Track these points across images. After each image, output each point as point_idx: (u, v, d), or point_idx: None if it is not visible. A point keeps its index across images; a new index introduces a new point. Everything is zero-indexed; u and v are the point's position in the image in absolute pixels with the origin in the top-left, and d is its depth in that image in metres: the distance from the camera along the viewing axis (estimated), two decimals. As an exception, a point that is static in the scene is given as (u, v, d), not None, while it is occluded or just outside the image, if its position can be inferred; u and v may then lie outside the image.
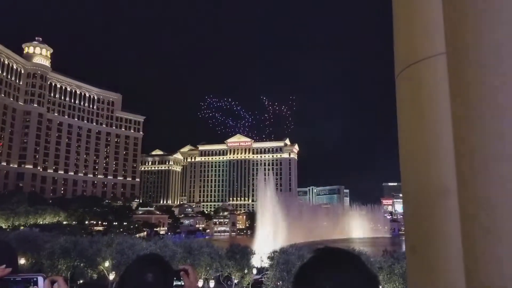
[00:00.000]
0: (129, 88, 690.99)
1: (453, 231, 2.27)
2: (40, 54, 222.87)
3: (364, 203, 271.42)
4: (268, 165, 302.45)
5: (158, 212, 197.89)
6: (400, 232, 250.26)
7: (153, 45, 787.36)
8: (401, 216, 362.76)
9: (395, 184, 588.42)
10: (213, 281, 53.40)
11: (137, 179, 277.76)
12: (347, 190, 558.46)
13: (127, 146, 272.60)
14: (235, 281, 55.07)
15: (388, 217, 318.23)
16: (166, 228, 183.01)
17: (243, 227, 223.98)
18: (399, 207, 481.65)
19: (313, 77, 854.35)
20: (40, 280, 2.23)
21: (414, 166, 2.66)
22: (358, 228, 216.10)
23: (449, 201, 2.32)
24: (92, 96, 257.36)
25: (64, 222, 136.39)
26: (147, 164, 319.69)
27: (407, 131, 2.79)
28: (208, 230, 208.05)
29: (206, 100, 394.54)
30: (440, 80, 2.48)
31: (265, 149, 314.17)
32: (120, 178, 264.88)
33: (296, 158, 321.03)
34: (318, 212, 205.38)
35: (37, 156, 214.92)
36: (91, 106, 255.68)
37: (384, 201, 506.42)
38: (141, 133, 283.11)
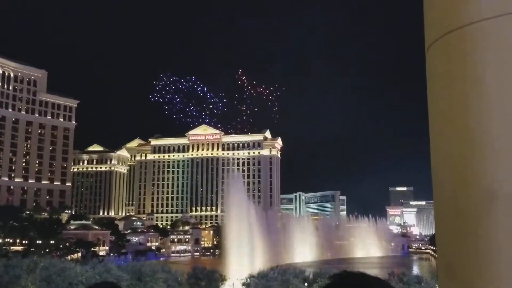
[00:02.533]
0: (58, 64, 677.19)
1: (507, 246, 2.27)
2: None
3: (365, 213, 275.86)
4: (243, 164, 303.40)
5: (96, 227, 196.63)
6: (410, 249, 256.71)
7: (92, 8, 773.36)
8: (411, 230, 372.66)
9: (404, 189, 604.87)
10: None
11: (68, 184, 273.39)
12: (344, 197, 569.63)
13: (54, 139, 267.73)
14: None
15: (396, 230, 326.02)
16: (107, 247, 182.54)
17: (210, 245, 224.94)
18: (409, 218, 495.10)
19: (305, 55, 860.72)
20: None
21: (451, 163, 2.64)
22: (357, 245, 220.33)
23: (500, 208, 2.32)
24: (7, 73, 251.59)
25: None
26: (81, 163, 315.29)
27: (442, 118, 2.75)
28: (164, 250, 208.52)
29: (162, 79, 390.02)
30: (488, 51, 2.48)
31: (239, 144, 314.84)
32: (45, 182, 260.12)
33: (279, 156, 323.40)
34: (306, 226, 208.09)
35: None
36: (5, 86, 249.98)
37: (391, 211, 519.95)
38: (74, 122, 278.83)
